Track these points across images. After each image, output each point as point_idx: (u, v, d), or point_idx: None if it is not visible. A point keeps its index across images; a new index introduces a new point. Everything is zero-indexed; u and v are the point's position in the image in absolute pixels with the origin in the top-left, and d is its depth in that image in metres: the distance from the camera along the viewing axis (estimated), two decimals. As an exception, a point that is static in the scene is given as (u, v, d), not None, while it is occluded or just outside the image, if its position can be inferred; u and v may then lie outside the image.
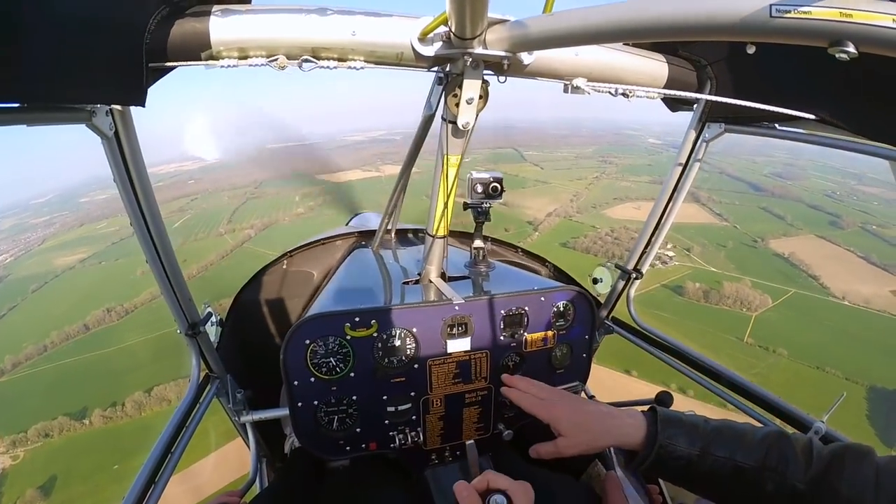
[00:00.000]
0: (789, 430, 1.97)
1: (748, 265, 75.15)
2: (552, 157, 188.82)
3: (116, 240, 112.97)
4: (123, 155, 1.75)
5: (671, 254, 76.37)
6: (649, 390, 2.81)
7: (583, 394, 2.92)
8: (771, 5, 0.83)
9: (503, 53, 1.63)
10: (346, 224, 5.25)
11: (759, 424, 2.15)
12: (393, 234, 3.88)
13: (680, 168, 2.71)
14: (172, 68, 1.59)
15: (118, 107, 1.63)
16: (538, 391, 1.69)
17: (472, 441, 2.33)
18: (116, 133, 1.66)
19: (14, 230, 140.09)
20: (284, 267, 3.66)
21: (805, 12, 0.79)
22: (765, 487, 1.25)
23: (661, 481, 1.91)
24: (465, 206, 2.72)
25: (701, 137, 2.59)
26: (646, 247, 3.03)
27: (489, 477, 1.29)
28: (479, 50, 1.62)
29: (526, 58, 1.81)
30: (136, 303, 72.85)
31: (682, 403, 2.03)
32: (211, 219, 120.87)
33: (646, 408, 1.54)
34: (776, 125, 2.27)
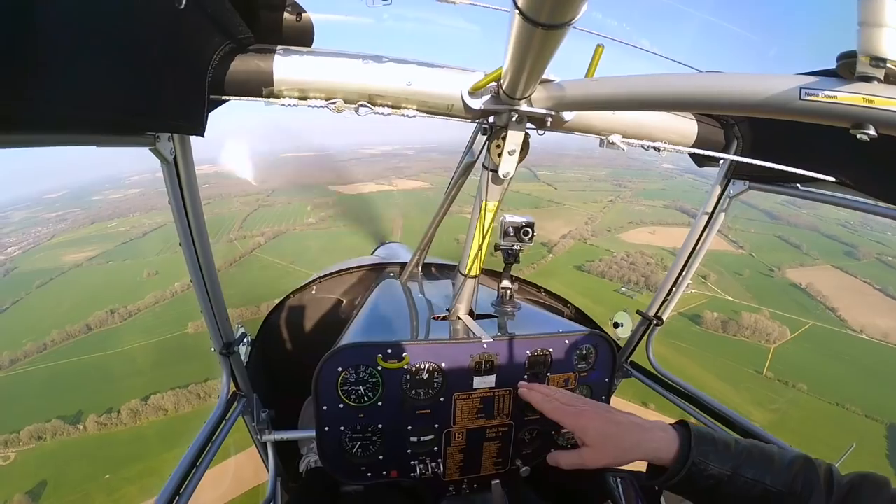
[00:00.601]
0: None
1: (765, 295, 74.01)
2: (565, 177, 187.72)
3: (126, 240, 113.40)
4: (180, 179, 1.84)
5: (688, 281, 74.74)
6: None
7: None
8: (801, 88, 0.89)
9: (547, 111, 1.77)
10: (372, 253, 5.54)
11: None
12: (420, 268, 3.85)
13: (705, 219, 2.80)
14: (229, 100, 1.73)
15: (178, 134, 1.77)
16: (561, 396, 1.68)
17: (497, 481, 2.57)
18: (176, 158, 1.76)
19: (25, 223, 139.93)
20: (314, 292, 3.78)
21: (831, 97, 0.86)
22: None
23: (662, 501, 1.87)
24: (497, 248, 2.76)
25: (726, 193, 2.70)
26: (667, 295, 3.09)
27: None
28: (525, 107, 1.75)
29: (567, 115, 1.94)
30: (140, 306, 72.36)
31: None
32: (222, 224, 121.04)
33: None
34: (798, 185, 2.33)
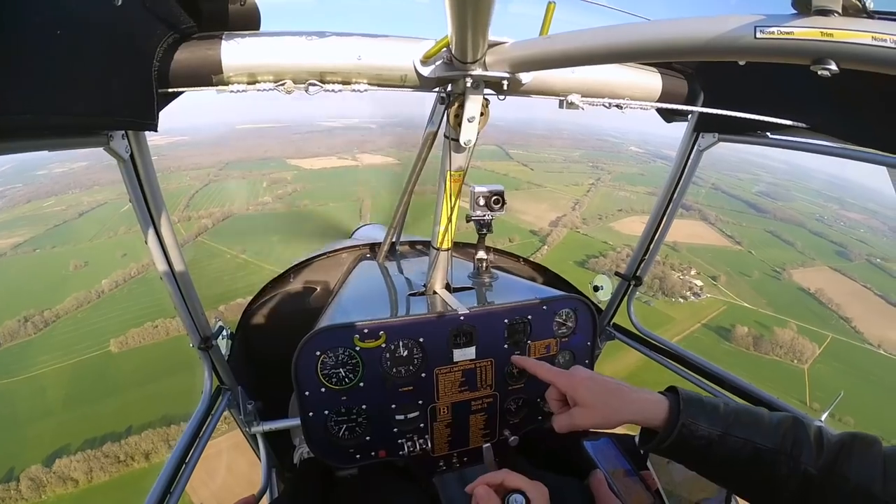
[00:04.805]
0: None
1: (779, 301, 70.18)
2: (538, 157, 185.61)
3: (60, 222, 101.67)
4: (139, 176, 1.83)
5: (699, 283, 71.99)
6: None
7: None
8: (755, 26, 0.86)
9: (503, 74, 1.73)
10: (350, 236, 5.32)
11: None
12: (397, 247, 3.83)
13: (676, 176, 2.79)
14: (181, 93, 1.71)
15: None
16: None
17: (488, 444, 2.55)
18: (132, 155, 1.75)
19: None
20: (291, 280, 3.68)
21: (787, 32, 0.83)
22: (779, 471, 1.25)
23: (650, 467, 1.88)
24: (468, 219, 2.76)
25: (696, 147, 2.65)
26: (644, 254, 3.11)
27: (505, 476, 1.38)
28: (479, 71, 1.70)
29: (524, 77, 1.89)
30: (59, 311, 61.79)
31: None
32: (167, 202, 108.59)
33: None
34: (768, 134, 2.34)
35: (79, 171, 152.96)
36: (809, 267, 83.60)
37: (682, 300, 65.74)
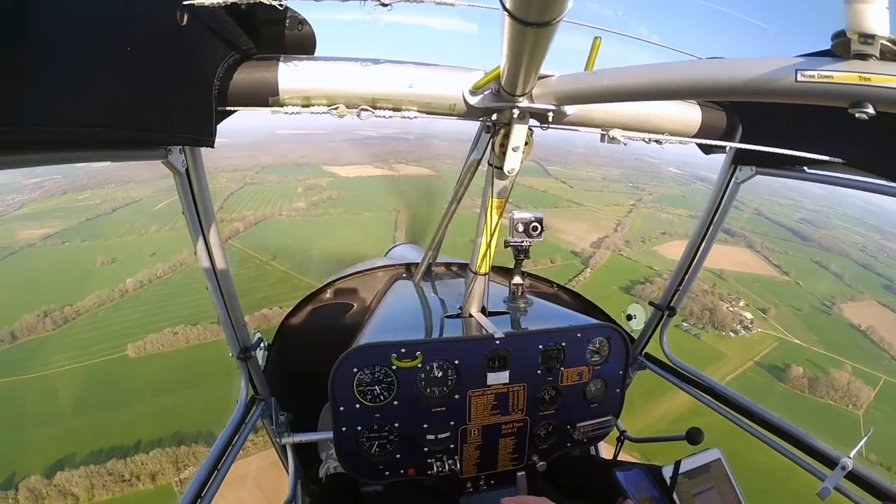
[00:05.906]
0: (817, 465, 2.38)
1: (831, 339, 66.13)
2: (578, 175, 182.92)
3: (92, 216, 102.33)
4: (192, 190, 1.93)
5: (749, 315, 68.36)
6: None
7: (615, 428, 2.97)
8: (796, 69, 0.88)
9: (549, 106, 1.80)
10: (385, 255, 5.46)
11: (789, 460, 2.52)
12: (432, 268, 3.90)
13: (713, 208, 2.84)
14: (237, 110, 1.81)
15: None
16: None
17: (522, 473, 2.60)
18: (188, 170, 1.85)
19: (1, 189, 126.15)
20: (328, 296, 3.74)
21: (827, 76, 0.84)
22: None
23: (677, 499, 1.91)
24: (506, 245, 2.81)
25: (733, 179, 2.72)
26: (679, 284, 3.13)
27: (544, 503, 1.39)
28: (526, 103, 1.77)
29: (569, 109, 1.97)
30: (80, 308, 60.51)
31: (713, 437, 2.24)
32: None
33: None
34: (805, 168, 2.38)
35: (116, 166, 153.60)
36: (858, 301, 79.13)
37: (732, 334, 62.81)
